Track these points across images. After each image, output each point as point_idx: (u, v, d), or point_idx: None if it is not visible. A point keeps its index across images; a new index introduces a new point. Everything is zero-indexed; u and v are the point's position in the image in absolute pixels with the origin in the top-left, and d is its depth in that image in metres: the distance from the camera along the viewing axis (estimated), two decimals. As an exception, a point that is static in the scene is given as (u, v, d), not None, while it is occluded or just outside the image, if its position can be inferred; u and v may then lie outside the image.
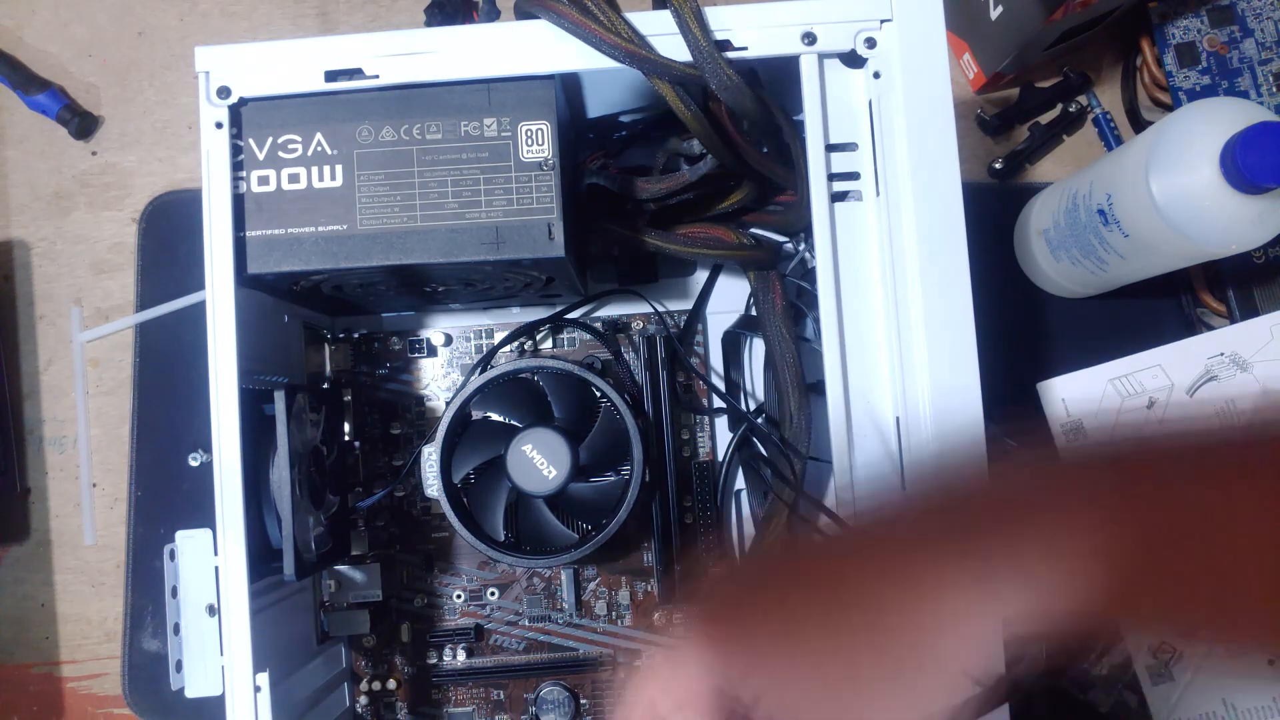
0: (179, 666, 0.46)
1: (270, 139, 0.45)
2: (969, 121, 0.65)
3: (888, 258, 0.45)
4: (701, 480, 0.58)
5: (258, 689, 0.44)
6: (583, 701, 0.57)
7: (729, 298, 0.59)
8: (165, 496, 0.62)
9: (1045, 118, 0.64)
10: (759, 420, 0.57)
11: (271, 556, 0.48)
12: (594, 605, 0.58)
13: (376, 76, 0.45)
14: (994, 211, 0.63)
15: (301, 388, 0.51)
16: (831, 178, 0.46)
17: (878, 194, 0.46)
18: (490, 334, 0.59)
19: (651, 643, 0.58)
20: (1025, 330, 0.62)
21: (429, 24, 0.51)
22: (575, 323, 0.59)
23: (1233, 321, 0.60)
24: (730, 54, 0.45)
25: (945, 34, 0.45)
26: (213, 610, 0.46)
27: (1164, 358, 0.58)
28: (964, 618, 0.29)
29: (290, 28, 0.67)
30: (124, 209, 0.66)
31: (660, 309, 0.59)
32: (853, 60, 0.46)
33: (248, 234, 0.45)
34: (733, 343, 0.59)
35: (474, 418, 0.54)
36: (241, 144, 0.46)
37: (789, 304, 0.54)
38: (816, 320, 0.47)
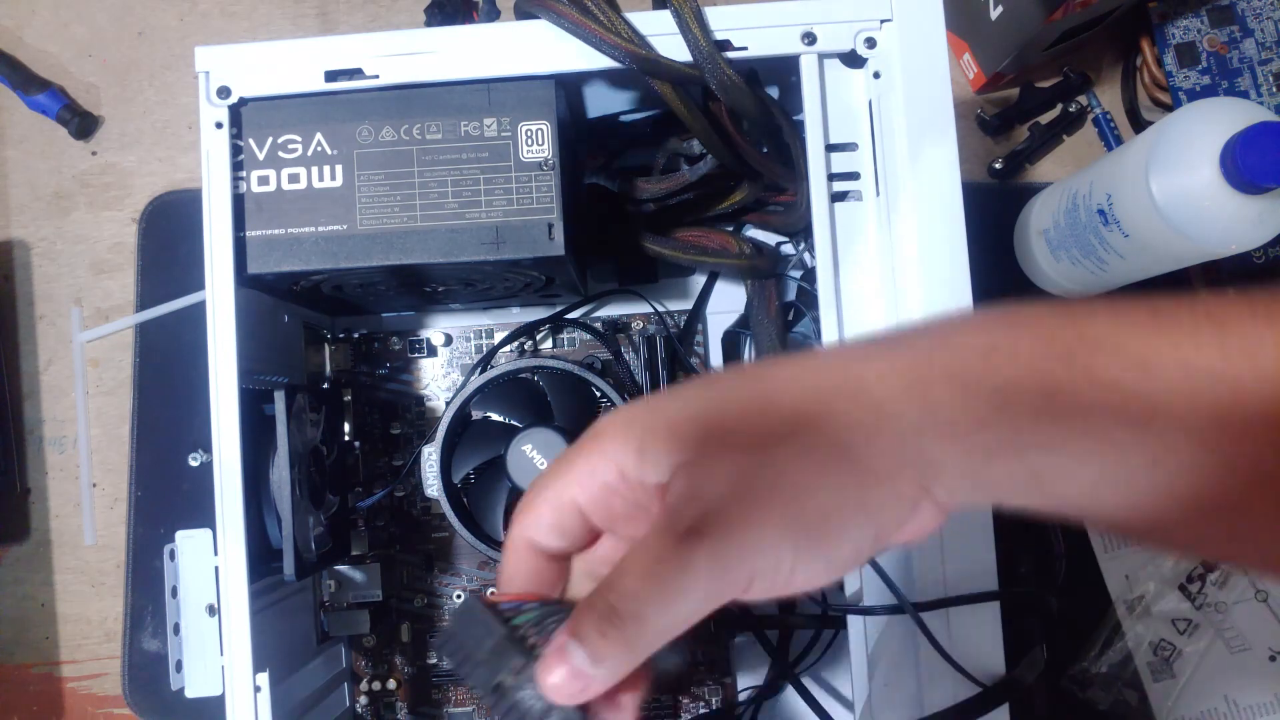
0: (179, 666, 0.46)
1: (270, 139, 0.45)
2: (969, 121, 0.65)
3: (888, 258, 0.45)
4: (701, 480, 0.58)
5: (258, 689, 0.44)
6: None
7: (729, 298, 0.59)
8: (165, 496, 0.62)
9: (1045, 118, 0.64)
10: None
11: (271, 556, 0.48)
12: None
13: (376, 76, 0.45)
14: (994, 211, 0.63)
15: (301, 388, 0.51)
16: (831, 178, 0.46)
17: (878, 194, 0.46)
18: (490, 334, 0.59)
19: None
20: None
21: (429, 24, 0.51)
22: (575, 323, 0.59)
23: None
24: (730, 54, 0.45)
25: (945, 34, 0.45)
26: (213, 610, 0.46)
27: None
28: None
29: (290, 28, 0.67)
30: (124, 209, 0.66)
31: (660, 309, 0.59)
32: (853, 60, 0.46)
33: (248, 234, 0.45)
34: (732, 343, 0.59)
35: (474, 418, 0.54)
36: (241, 144, 0.46)
37: (782, 306, 0.54)
38: (816, 320, 0.47)
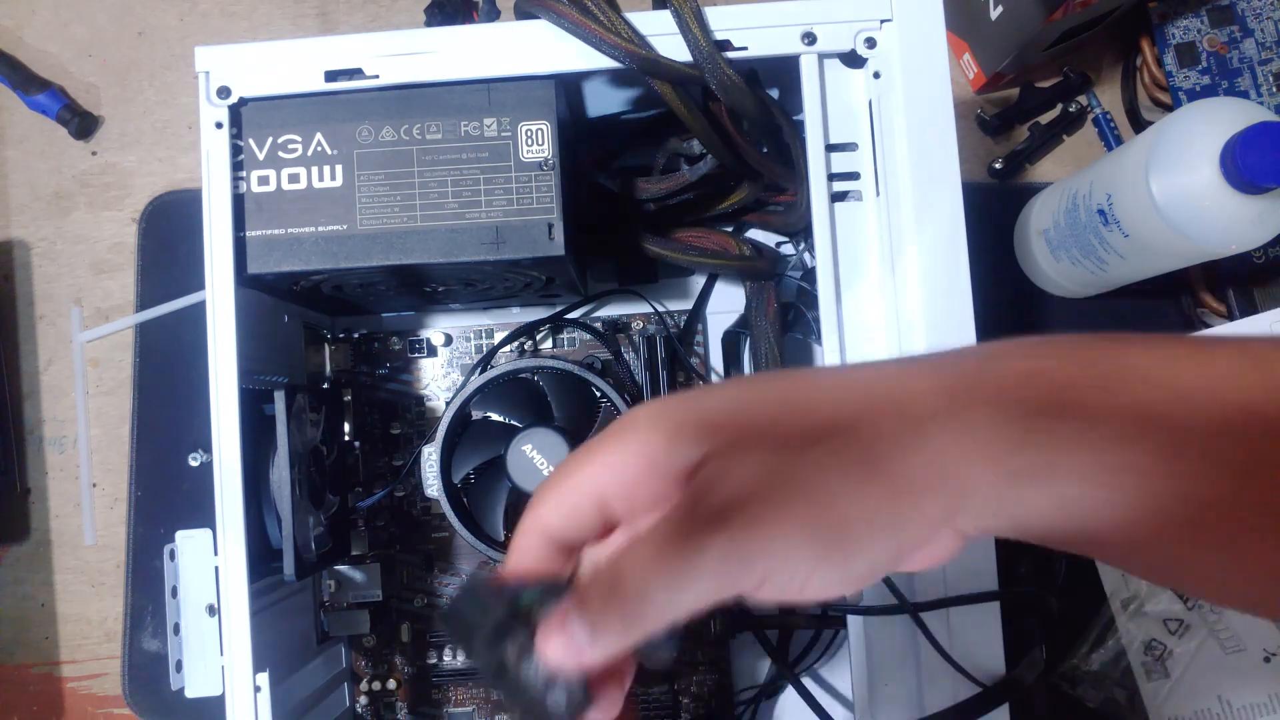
0: (179, 666, 0.46)
1: (270, 139, 0.45)
2: (969, 121, 0.65)
3: (888, 258, 0.45)
4: (701, 480, 0.58)
5: (258, 689, 0.44)
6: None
7: (729, 298, 0.59)
8: (165, 496, 0.62)
9: (1045, 118, 0.64)
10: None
11: (271, 556, 0.48)
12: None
13: (376, 76, 0.45)
14: (994, 211, 0.63)
15: (301, 388, 0.51)
16: (831, 178, 0.46)
17: (878, 194, 0.46)
18: (490, 334, 0.59)
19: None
20: (1025, 330, 0.61)
21: (429, 24, 0.51)
22: (575, 323, 0.59)
23: (1232, 321, 0.60)
24: (730, 54, 0.45)
25: (945, 34, 0.45)
26: (213, 610, 0.46)
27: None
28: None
29: (290, 28, 0.67)
30: (124, 209, 0.66)
31: (660, 309, 0.59)
32: (853, 60, 0.46)
33: (248, 234, 0.45)
34: (732, 343, 0.59)
35: (474, 418, 0.54)
36: (241, 144, 0.46)
37: (781, 307, 0.54)
38: (816, 320, 0.47)
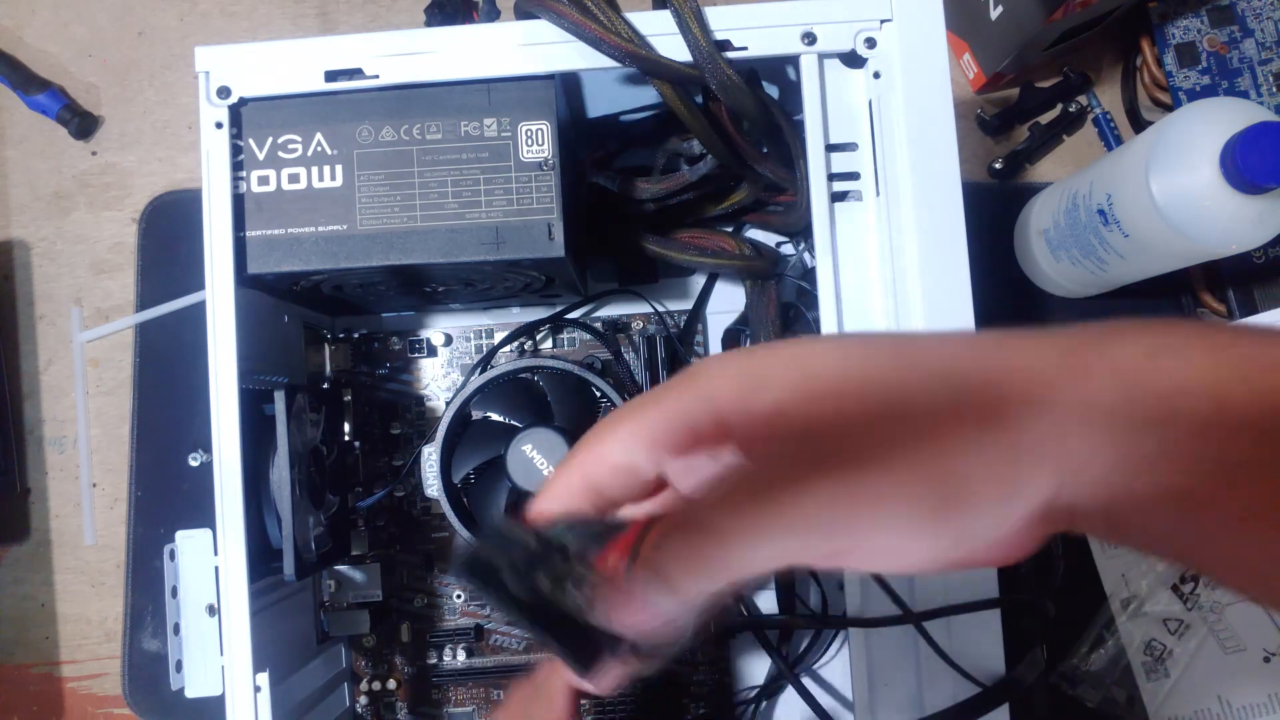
0: (179, 666, 0.46)
1: (270, 139, 0.45)
2: (969, 121, 0.65)
3: (888, 258, 0.45)
4: (701, 480, 0.58)
5: (258, 689, 0.44)
6: (582, 701, 0.57)
7: (729, 297, 0.59)
8: (165, 496, 0.62)
9: (1045, 118, 0.64)
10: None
11: (271, 556, 0.48)
12: (594, 605, 0.58)
13: (376, 76, 0.45)
14: (994, 211, 0.63)
15: (301, 388, 0.51)
16: (831, 178, 0.46)
17: (878, 194, 0.46)
18: (490, 334, 0.59)
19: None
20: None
21: (429, 24, 0.51)
22: (575, 323, 0.59)
23: (1232, 321, 0.60)
24: (730, 54, 0.45)
25: (945, 34, 0.45)
26: (213, 610, 0.46)
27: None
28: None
29: (290, 28, 0.67)
30: (124, 209, 0.66)
31: (660, 309, 0.59)
32: (853, 60, 0.46)
33: (248, 234, 0.45)
34: (733, 342, 0.59)
35: (474, 418, 0.54)
36: (241, 144, 0.46)
37: (781, 310, 0.54)
38: (816, 320, 0.47)
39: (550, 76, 0.45)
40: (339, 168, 0.45)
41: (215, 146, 0.45)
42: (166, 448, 0.62)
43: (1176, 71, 0.61)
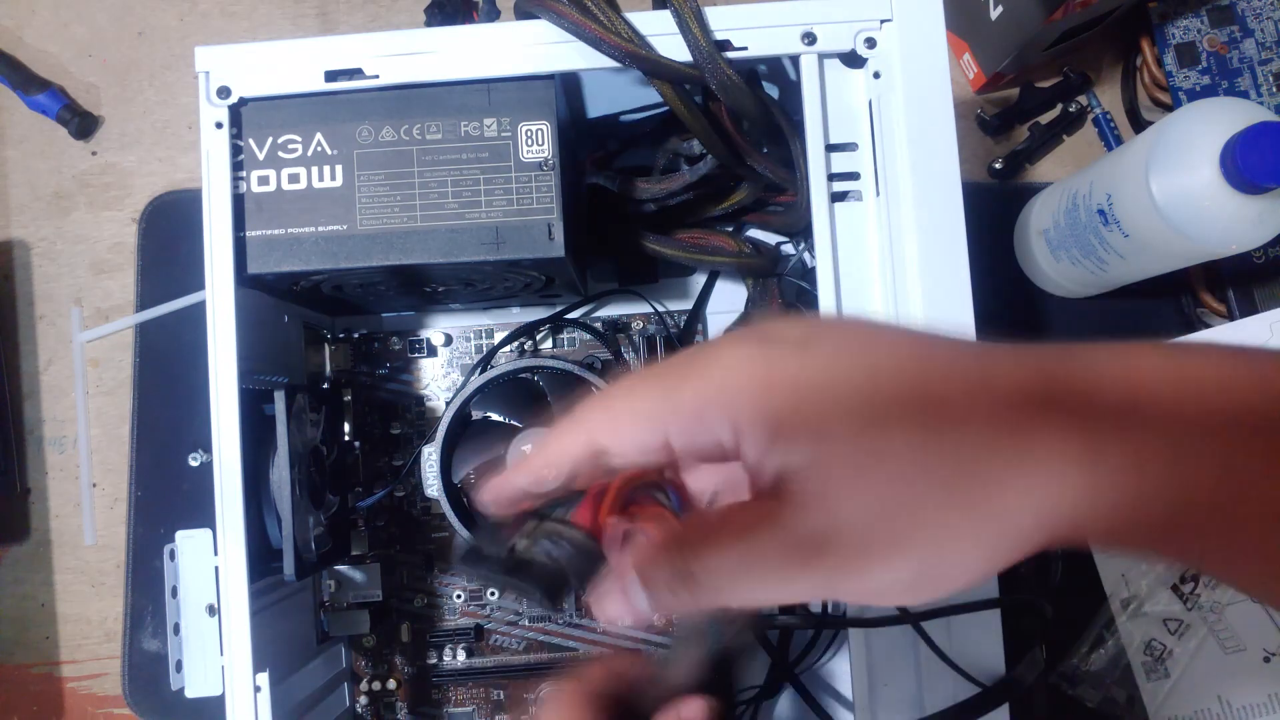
0: (179, 666, 0.46)
1: (270, 139, 0.45)
2: (969, 121, 0.65)
3: (888, 258, 0.45)
4: (701, 480, 0.58)
5: (258, 689, 0.44)
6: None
7: (729, 297, 0.59)
8: (165, 496, 0.62)
9: (1045, 118, 0.64)
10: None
11: (271, 556, 0.48)
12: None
13: (376, 76, 0.45)
14: (994, 211, 0.63)
15: (301, 388, 0.51)
16: (831, 178, 0.46)
17: (878, 194, 0.46)
18: (490, 334, 0.59)
19: (651, 643, 0.58)
20: (1025, 330, 0.62)
21: (429, 24, 0.51)
22: (575, 323, 0.59)
23: (1232, 321, 0.60)
24: (730, 54, 0.45)
25: (945, 34, 0.45)
26: (213, 610, 0.46)
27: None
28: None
29: (290, 28, 0.67)
30: (124, 209, 0.66)
31: (660, 309, 0.59)
32: (853, 60, 0.46)
33: (248, 234, 0.45)
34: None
35: (474, 418, 0.54)
36: (241, 144, 0.46)
37: (786, 308, 0.54)
38: (816, 320, 0.47)
39: (550, 76, 0.45)
40: (339, 168, 0.45)
41: (215, 146, 0.45)
42: (166, 448, 0.62)
43: (1176, 71, 0.61)
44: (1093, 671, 0.57)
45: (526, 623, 0.58)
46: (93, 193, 0.66)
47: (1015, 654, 0.43)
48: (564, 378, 0.53)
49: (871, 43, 0.45)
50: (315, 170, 0.45)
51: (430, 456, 0.52)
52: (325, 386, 0.56)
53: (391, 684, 0.58)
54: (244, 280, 0.46)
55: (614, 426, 0.25)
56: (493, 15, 0.51)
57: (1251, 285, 0.60)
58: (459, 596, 0.58)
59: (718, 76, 0.44)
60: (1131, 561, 0.57)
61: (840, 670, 0.56)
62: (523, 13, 0.46)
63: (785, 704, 0.57)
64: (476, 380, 0.53)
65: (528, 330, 0.58)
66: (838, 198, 0.46)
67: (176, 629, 0.46)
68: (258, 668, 0.44)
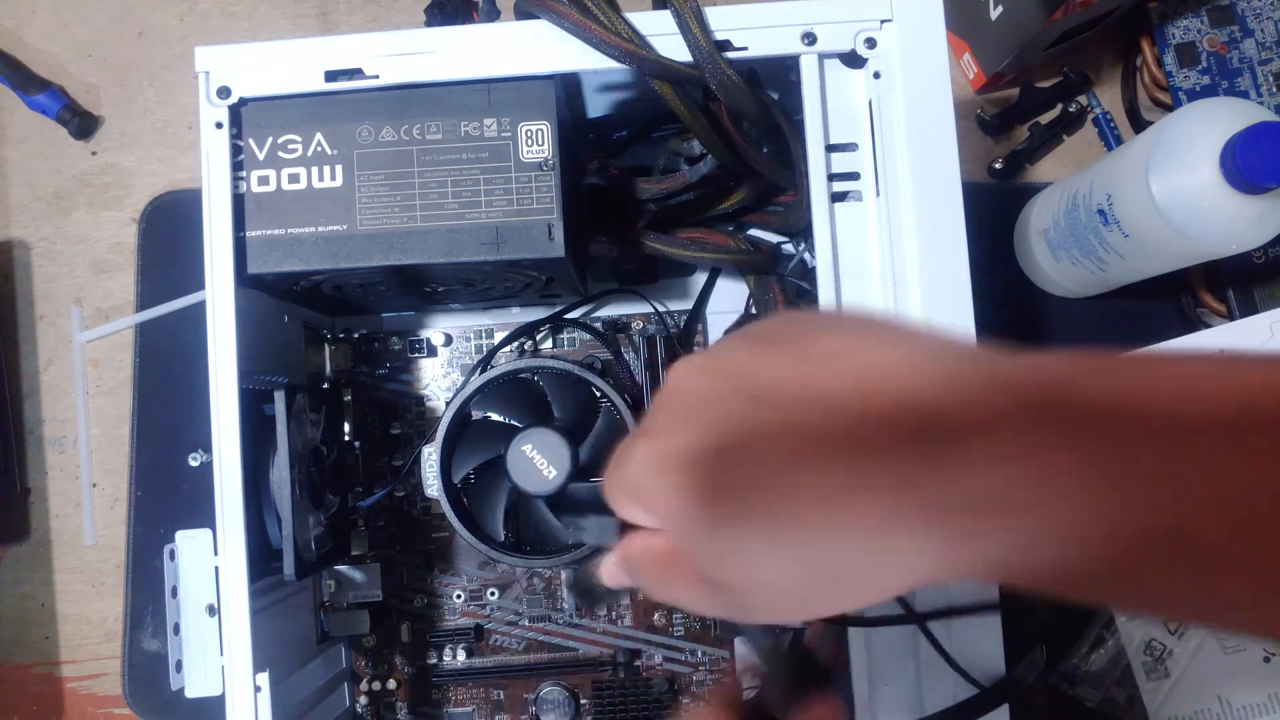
0: (179, 666, 0.46)
1: (270, 139, 0.45)
2: (969, 121, 0.65)
3: (888, 258, 0.45)
4: (701, 480, 0.58)
5: (258, 689, 0.44)
6: (583, 702, 0.57)
7: (729, 298, 0.59)
8: (165, 496, 0.62)
9: (1045, 118, 0.64)
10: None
11: (271, 556, 0.48)
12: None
13: (376, 76, 0.45)
14: (994, 211, 0.63)
15: (301, 388, 0.51)
16: (831, 178, 0.46)
17: (878, 194, 0.46)
18: (490, 334, 0.59)
19: (651, 643, 0.58)
20: (1025, 330, 0.62)
21: (429, 24, 0.51)
22: (575, 323, 0.59)
23: (1232, 321, 0.60)
24: (730, 54, 0.45)
25: (945, 34, 0.45)
26: (213, 610, 0.46)
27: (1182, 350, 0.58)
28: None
29: (290, 28, 0.67)
30: (124, 209, 0.66)
31: (660, 309, 0.59)
32: (853, 60, 0.46)
33: (248, 234, 0.45)
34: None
35: (474, 418, 0.54)
36: (241, 144, 0.46)
37: (790, 303, 0.54)
38: (816, 320, 0.47)
39: (550, 76, 0.45)
40: (339, 168, 0.45)
41: (215, 146, 0.45)
42: (166, 448, 0.62)
43: (1176, 71, 0.61)
44: (1093, 671, 0.57)
45: (526, 623, 0.58)
46: (93, 193, 0.66)
47: (1015, 654, 0.43)
48: (564, 378, 0.53)
49: (871, 43, 0.45)
50: (315, 170, 0.45)
51: (430, 456, 0.52)
52: (325, 386, 0.56)
53: (391, 684, 0.58)
54: (244, 280, 0.46)
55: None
56: (493, 15, 0.51)
57: (1251, 285, 0.60)
58: (459, 596, 0.58)
59: (718, 76, 0.44)
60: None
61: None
62: (523, 13, 0.46)
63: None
64: (476, 380, 0.53)
65: (528, 330, 0.58)
66: (838, 198, 0.46)
67: (176, 629, 0.46)
68: (258, 668, 0.44)
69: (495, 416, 0.54)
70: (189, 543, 0.46)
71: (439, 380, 0.60)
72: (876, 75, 0.45)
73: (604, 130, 0.55)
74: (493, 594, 0.58)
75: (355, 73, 0.46)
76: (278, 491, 0.47)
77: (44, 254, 0.66)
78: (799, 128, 0.47)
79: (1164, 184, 0.47)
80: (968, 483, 0.21)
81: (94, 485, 0.63)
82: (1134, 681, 0.56)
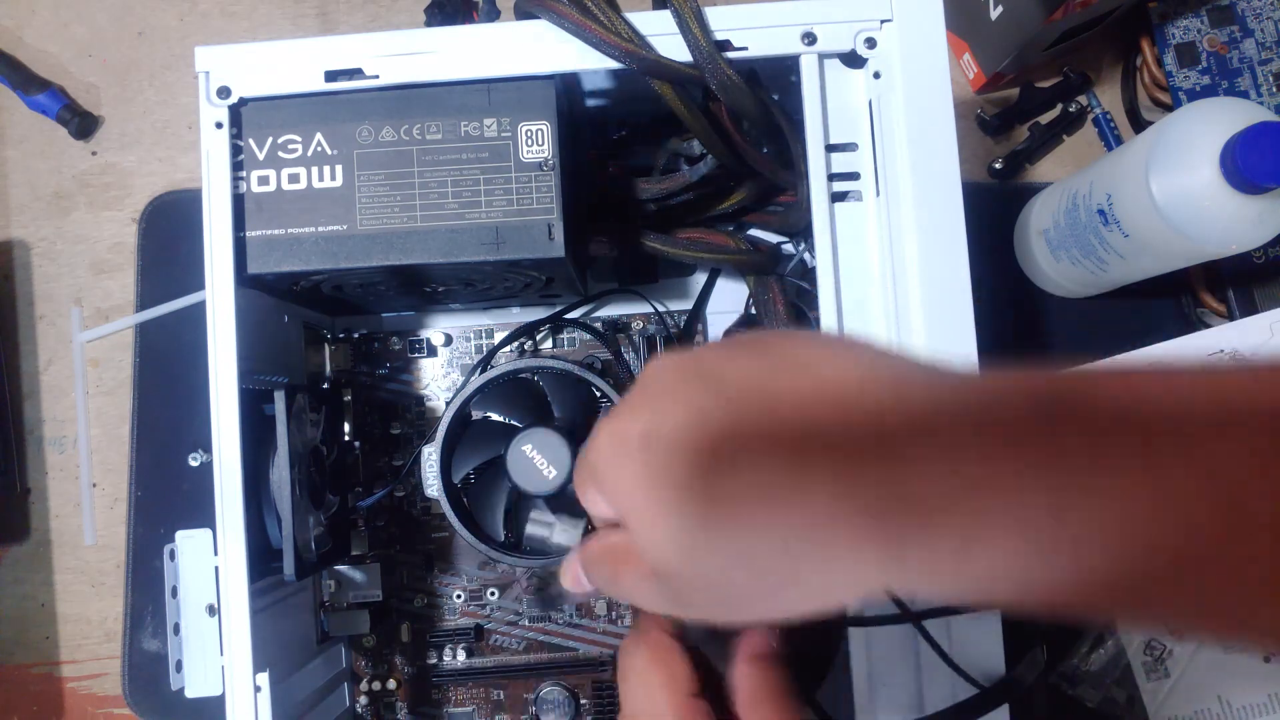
0: (179, 666, 0.46)
1: (270, 139, 0.45)
2: (969, 121, 0.65)
3: (888, 258, 0.45)
4: (701, 480, 0.58)
5: (258, 689, 0.44)
6: (583, 702, 0.57)
7: (729, 298, 0.59)
8: (165, 496, 0.62)
9: (1045, 118, 0.64)
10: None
11: (271, 556, 0.48)
12: (594, 605, 0.58)
13: (376, 76, 0.45)
14: (994, 211, 0.63)
15: (301, 388, 0.51)
16: (831, 178, 0.46)
17: (878, 194, 0.46)
18: (490, 334, 0.59)
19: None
20: (1025, 330, 0.62)
21: (429, 24, 0.51)
22: (575, 323, 0.59)
23: (1232, 321, 0.60)
24: (730, 54, 0.45)
25: (945, 34, 0.45)
26: (213, 610, 0.46)
27: (1163, 356, 0.58)
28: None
29: (290, 28, 0.67)
30: (124, 209, 0.66)
31: (660, 309, 0.59)
32: (853, 60, 0.46)
33: (248, 234, 0.45)
34: (733, 343, 0.59)
35: (474, 418, 0.54)
36: (241, 144, 0.46)
37: (790, 304, 0.54)
38: (816, 321, 0.47)
39: (550, 76, 0.45)
40: (339, 168, 0.45)
41: (215, 146, 0.45)
42: (166, 448, 0.62)
43: (1176, 71, 0.61)
44: (1093, 671, 0.57)
45: (526, 623, 0.58)
46: (93, 193, 0.66)
47: (1015, 654, 0.43)
48: (564, 378, 0.53)
49: (871, 43, 0.45)
50: (315, 170, 0.45)
51: (430, 456, 0.52)
52: (325, 386, 0.56)
53: (391, 684, 0.58)
54: (244, 280, 0.46)
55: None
56: (493, 15, 0.51)
57: (1251, 285, 0.60)
58: (459, 596, 0.58)
59: (718, 76, 0.44)
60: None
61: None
62: (523, 13, 0.46)
63: (785, 704, 0.57)
64: (476, 380, 0.53)
65: (528, 330, 0.58)
66: (838, 198, 0.46)
67: (176, 629, 0.46)
68: (258, 668, 0.44)
69: (495, 416, 0.54)
70: (189, 543, 0.46)
71: (439, 380, 0.60)
72: (876, 75, 0.45)
73: (604, 130, 0.55)
74: (493, 594, 0.58)
75: (355, 73, 0.46)
76: (278, 491, 0.47)
77: (44, 254, 0.66)
78: (799, 128, 0.47)
79: (1164, 184, 0.47)
80: (904, 488, 0.21)
81: (94, 485, 0.63)
82: (1134, 681, 0.56)
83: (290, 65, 0.46)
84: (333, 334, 0.59)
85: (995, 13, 0.59)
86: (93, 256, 0.65)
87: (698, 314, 0.59)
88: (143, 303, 0.64)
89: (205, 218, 0.45)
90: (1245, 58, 0.61)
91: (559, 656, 0.58)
